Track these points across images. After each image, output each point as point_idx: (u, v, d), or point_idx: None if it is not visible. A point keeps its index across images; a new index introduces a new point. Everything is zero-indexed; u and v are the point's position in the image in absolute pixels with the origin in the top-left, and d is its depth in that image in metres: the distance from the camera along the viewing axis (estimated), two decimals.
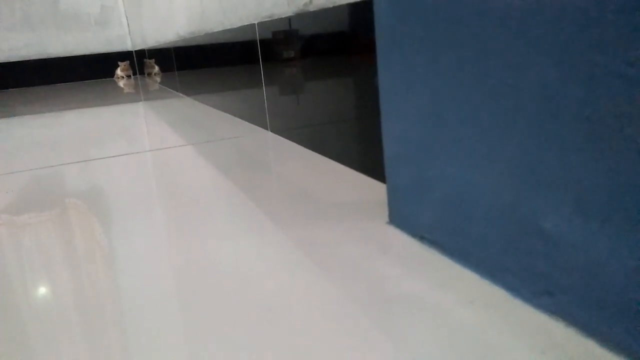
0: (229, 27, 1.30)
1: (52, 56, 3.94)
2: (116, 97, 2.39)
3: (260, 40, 1.06)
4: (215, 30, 1.44)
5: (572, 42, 0.29)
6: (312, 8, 0.80)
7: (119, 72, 3.30)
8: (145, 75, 3.17)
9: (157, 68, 2.88)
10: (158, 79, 2.83)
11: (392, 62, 0.46)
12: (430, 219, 0.44)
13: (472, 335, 0.32)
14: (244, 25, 1.15)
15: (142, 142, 1.15)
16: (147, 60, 3.03)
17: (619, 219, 0.28)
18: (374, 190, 0.62)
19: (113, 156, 1.00)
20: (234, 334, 0.34)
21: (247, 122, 1.26)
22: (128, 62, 3.31)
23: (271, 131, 1.09)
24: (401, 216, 0.49)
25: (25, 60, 3.87)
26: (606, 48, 0.27)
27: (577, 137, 0.30)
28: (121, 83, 2.86)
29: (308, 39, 0.83)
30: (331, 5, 0.73)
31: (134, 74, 3.31)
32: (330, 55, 0.75)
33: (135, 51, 4.02)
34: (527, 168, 0.33)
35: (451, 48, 0.38)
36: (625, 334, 0.29)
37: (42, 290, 0.45)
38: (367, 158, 0.68)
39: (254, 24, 1.07)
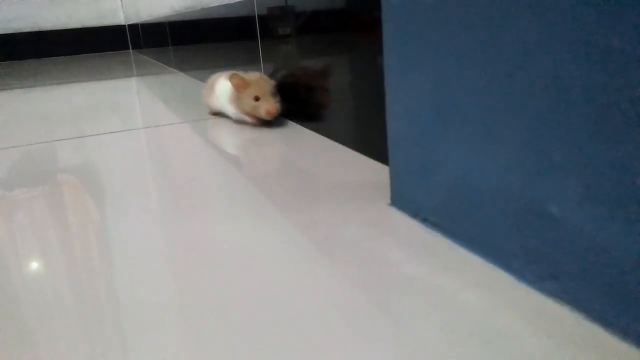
0: (226, 2, 1.27)
1: (43, 29, 3.86)
2: (108, 72, 2.36)
3: (258, 16, 1.04)
4: (212, 4, 1.41)
5: (587, 24, 0.28)
6: None
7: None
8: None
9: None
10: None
11: (399, 40, 0.45)
12: (434, 201, 0.44)
13: (476, 318, 0.32)
14: (243, 0, 1.13)
15: (135, 119, 1.14)
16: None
17: (629, 205, 0.28)
18: (375, 172, 0.61)
19: (106, 133, 0.98)
20: (230, 316, 0.34)
21: None
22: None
23: None
24: (404, 198, 0.49)
25: (16, 33, 3.80)
26: (622, 31, 0.26)
27: (589, 122, 0.29)
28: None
29: (308, 15, 0.81)
30: None
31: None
32: (331, 33, 0.74)
33: (128, 25, 3.95)
34: (536, 151, 0.33)
35: (461, 26, 0.37)
36: (631, 319, 0.29)
37: (35, 266, 0.44)
38: (368, 139, 0.68)
39: None
